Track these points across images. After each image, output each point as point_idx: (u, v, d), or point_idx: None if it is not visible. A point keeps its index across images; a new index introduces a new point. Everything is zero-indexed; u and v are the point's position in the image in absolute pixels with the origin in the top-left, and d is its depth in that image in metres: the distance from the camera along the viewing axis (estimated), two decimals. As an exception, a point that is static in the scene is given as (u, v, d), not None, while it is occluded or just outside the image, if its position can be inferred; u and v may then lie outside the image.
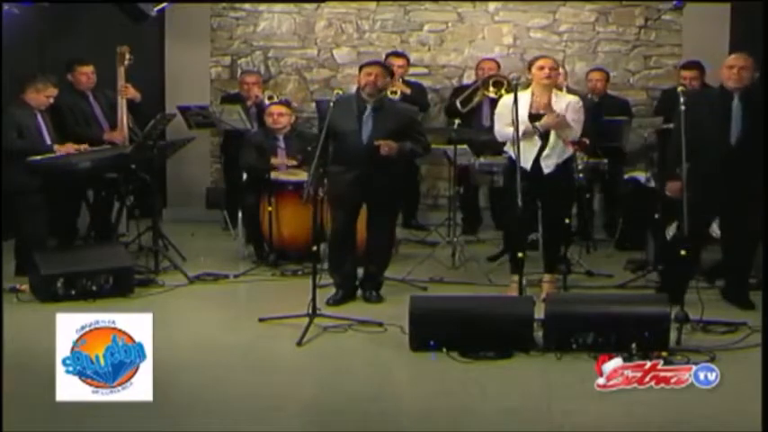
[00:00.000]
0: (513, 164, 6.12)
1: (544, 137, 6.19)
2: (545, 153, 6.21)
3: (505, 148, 6.38)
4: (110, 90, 7.77)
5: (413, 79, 8.93)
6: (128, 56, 7.71)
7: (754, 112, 6.01)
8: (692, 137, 5.63)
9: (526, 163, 6.19)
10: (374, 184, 6.24)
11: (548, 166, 6.23)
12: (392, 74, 6.87)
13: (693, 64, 8.10)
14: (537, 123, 6.16)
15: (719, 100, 6.12)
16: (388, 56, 8.81)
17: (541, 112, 6.18)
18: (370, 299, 6.39)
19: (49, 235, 7.13)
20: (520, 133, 5.97)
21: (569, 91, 7.24)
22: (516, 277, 6.08)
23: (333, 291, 6.43)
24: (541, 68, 6.25)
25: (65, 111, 7.55)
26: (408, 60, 8.87)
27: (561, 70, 6.53)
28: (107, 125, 7.73)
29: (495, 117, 6.40)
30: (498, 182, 7.54)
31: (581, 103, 6.39)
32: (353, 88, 8.81)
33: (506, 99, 6.36)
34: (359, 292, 6.50)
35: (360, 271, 6.54)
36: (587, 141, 6.91)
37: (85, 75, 7.72)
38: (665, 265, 6.48)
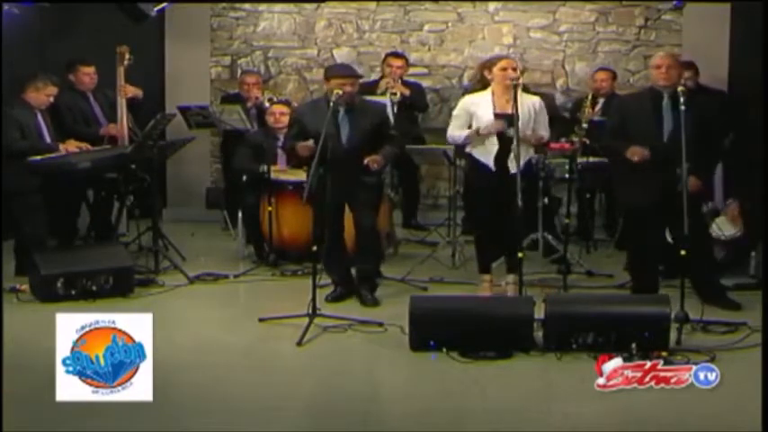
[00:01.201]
0: (475, 164, 6.23)
1: (507, 138, 6.13)
2: (513, 154, 6.12)
3: (468, 149, 6.34)
4: (110, 90, 7.77)
5: (412, 79, 8.92)
6: (127, 56, 7.71)
7: (687, 111, 5.85)
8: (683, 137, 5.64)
9: (489, 162, 6.20)
10: (356, 184, 6.27)
11: (514, 165, 6.15)
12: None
13: (687, 63, 8.09)
14: (478, 132, 6.17)
15: (650, 101, 6.13)
16: (387, 56, 8.80)
17: (507, 111, 6.13)
18: (366, 302, 6.35)
19: (48, 235, 7.13)
20: (462, 137, 6.16)
21: (570, 91, 7.24)
22: (488, 277, 6.28)
23: (331, 288, 6.45)
24: (504, 69, 6.23)
25: (63, 110, 7.55)
26: (407, 61, 8.87)
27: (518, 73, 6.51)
28: (107, 125, 7.73)
29: (452, 119, 6.39)
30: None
31: (542, 103, 6.37)
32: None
33: (465, 101, 6.36)
34: (380, 290, 6.49)
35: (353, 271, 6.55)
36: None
37: (87, 75, 7.73)
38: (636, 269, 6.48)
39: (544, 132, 6.33)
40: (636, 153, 5.99)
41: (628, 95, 7.30)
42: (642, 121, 6.11)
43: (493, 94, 6.25)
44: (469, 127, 6.24)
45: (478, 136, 6.17)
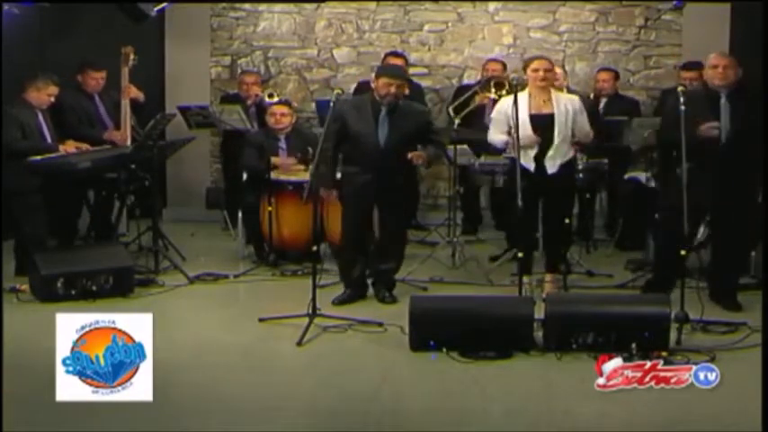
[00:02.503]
0: (515, 165, 6.14)
1: (547, 137, 6.19)
2: (550, 154, 6.23)
3: (507, 151, 6.39)
4: (115, 91, 7.77)
5: (412, 79, 8.91)
6: (132, 56, 7.71)
7: (742, 110, 5.95)
8: (683, 137, 5.63)
9: (529, 163, 6.21)
10: (389, 186, 6.25)
11: (552, 166, 6.24)
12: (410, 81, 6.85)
13: (694, 64, 8.08)
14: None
15: (707, 99, 6.09)
16: (386, 56, 8.79)
17: (543, 112, 6.19)
18: (384, 299, 6.36)
19: (49, 235, 7.13)
20: (523, 142, 6.05)
21: (569, 91, 7.25)
22: (526, 278, 6.18)
23: (338, 290, 6.45)
24: (536, 71, 6.26)
25: (68, 110, 7.57)
26: (407, 61, 8.86)
27: (559, 70, 6.52)
28: (111, 126, 7.74)
29: (491, 123, 6.41)
30: (498, 182, 7.55)
31: (581, 102, 6.42)
32: (353, 88, 8.92)
33: (503, 104, 6.38)
34: (370, 291, 6.50)
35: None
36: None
37: (95, 79, 7.72)
38: (660, 265, 6.46)
39: (583, 131, 6.35)
40: (709, 128, 5.88)
41: (685, 92, 7.22)
42: (699, 118, 5.94)
43: (530, 95, 6.28)
44: (509, 129, 6.24)
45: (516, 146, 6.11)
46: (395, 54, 8.83)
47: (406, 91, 6.48)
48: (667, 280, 6.12)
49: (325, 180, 6.26)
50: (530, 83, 6.30)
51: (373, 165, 6.20)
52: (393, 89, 6.20)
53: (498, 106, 6.42)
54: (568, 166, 6.39)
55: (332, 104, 6.10)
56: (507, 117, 6.24)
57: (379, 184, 6.23)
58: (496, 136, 6.36)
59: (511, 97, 6.28)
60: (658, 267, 6.39)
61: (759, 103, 6.09)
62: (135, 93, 7.76)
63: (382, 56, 8.93)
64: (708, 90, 6.18)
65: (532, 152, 6.23)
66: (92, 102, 7.77)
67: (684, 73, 8.05)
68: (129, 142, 7.56)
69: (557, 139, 6.21)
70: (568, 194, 6.63)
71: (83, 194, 7.70)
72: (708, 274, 6.42)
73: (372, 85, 6.38)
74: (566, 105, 6.26)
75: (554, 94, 6.29)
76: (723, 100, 6.05)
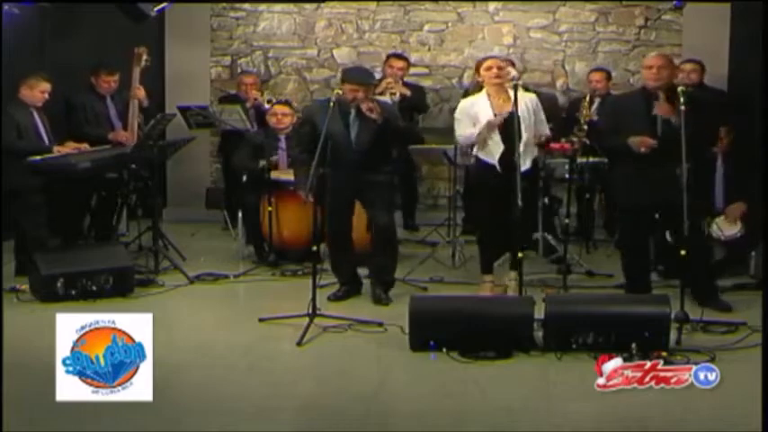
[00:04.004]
0: (481, 165, 6.25)
1: (513, 135, 6.14)
2: (520, 151, 6.13)
3: (474, 150, 6.34)
4: (127, 92, 7.78)
5: (412, 80, 8.92)
6: (145, 57, 7.73)
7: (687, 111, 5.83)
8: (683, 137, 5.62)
9: (495, 162, 6.21)
10: (367, 183, 6.29)
11: (524, 164, 6.14)
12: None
13: (693, 61, 8.09)
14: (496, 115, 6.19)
15: (643, 100, 6.09)
16: (388, 57, 8.80)
17: (504, 111, 6.15)
18: (380, 300, 6.35)
19: (53, 235, 7.13)
20: (485, 128, 6.09)
21: (570, 91, 7.25)
22: (490, 277, 6.25)
23: (334, 288, 6.47)
24: (489, 69, 6.25)
25: (78, 109, 7.62)
26: (409, 62, 8.86)
27: (512, 69, 6.46)
28: (120, 126, 7.75)
29: (455, 123, 6.38)
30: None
31: (538, 100, 6.36)
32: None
33: (464, 104, 6.38)
34: (364, 290, 6.52)
35: (362, 270, 6.57)
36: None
37: (107, 82, 7.75)
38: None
39: (544, 129, 6.35)
40: (643, 143, 5.91)
41: (620, 95, 7.29)
42: (635, 121, 6.05)
43: (488, 95, 6.26)
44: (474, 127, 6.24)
45: (487, 131, 6.14)
46: (396, 55, 8.84)
47: (369, 94, 6.37)
48: (642, 283, 6.21)
49: (301, 183, 6.28)
50: (485, 82, 6.28)
51: (348, 165, 6.23)
52: (360, 94, 6.19)
53: (459, 107, 6.39)
54: (535, 165, 6.39)
55: (331, 104, 6.10)
56: (470, 116, 6.24)
57: (357, 183, 6.27)
58: (467, 131, 6.26)
59: (469, 98, 6.37)
60: (630, 274, 6.34)
61: (711, 106, 6.11)
62: (141, 95, 7.77)
63: (383, 56, 8.94)
64: (644, 90, 6.18)
65: (497, 151, 6.19)
66: (103, 103, 7.80)
67: (684, 65, 8.00)
68: (134, 142, 7.57)
69: (524, 135, 6.14)
70: (535, 193, 6.66)
71: (87, 194, 7.69)
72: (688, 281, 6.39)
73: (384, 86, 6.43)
74: (526, 103, 6.21)
75: (510, 92, 6.17)
76: (660, 100, 6.00)
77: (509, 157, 6.11)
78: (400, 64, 8.66)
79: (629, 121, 6.08)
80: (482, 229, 6.54)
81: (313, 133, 6.26)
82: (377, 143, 6.31)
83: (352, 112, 6.27)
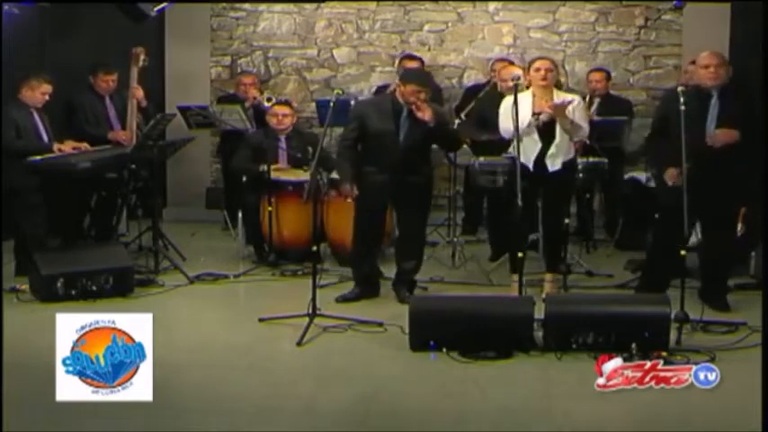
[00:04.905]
0: (516, 164, 6.15)
1: (549, 135, 6.19)
2: (551, 152, 6.23)
3: (510, 150, 6.38)
4: (126, 91, 7.78)
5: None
6: (143, 57, 7.72)
7: (732, 109, 5.91)
8: (683, 137, 5.62)
9: (528, 162, 6.21)
10: (408, 185, 6.26)
11: (554, 164, 6.23)
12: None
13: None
14: (538, 117, 6.18)
15: (697, 99, 6.03)
16: (402, 58, 8.76)
17: (544, 111, 6.19)
18: (404, 300, 6.25)
19: (53, 235, 7.13)
20: (522, 127, 6.03)
21: (569, 91, 7.25)
22: (517, 276, 6.11)
23: (338, 290, 6.47)
24: (538, 70, 6.28)
25: (78, 109, 7.63)
26: (423, 63, 8.82)
27: (561, 70, 6.53)
28: (119, 126, 7.75)
29: (500, 117, 6.40)
30: (498, 182, 7.54)
31: (581, 101, 6.44)
32: (353, 88, 8.91)
33: (509, 99, 6.37)
34: (381, 290, 6.50)
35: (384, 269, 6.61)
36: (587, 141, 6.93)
37: (105, 82, 7.75)
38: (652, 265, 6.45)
39: (584, 128, 6.35)
40: (672, 177, 5.99)
41: (669, 94, 7.20)
42: (687, 119, 5.80)
43: (533, 95, 6.30)
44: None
45: (536, 125, 6.16)
46: (411, 57, 8.79)
47: (428, 96, 6.38)
48: (661, 280, 6.13)
49: (346, 176, 6.32)
50: (532, 83, 6.31)
51: (392, 164, 6.22)
52: (422, 95, 6.18)
53: (505, 103, 6.40)
54: (570, 165, 6.39)
55: (331, 105, 6.09)
56: (512, 111, 6.24)
57: (397, 183, 6.25)
58: (507, 125, 6.22)
59: (518, 95, 6.32)
60: (653, 268, 6.36)
61: (754, 102, 6.09)
62: (140, 95, 7.76)
63: (383, 56, 8.92)
64: (699, 89, 6.15)
65: (532, 152, 6.22)
66: (103, 103, 7.79)
67: (690, 67, 7.98)
68: (134, 142, 7.56)
69: (558, 137, 6.20)
70: (568, 194, 6.66)
71: (87, 194, 7.70)
72: (700, 274, 6.40)
73: (394, 88, 6.39)
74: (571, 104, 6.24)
75: (556, 93, 6.29)
76: (714, 99, 6.04)
77: (542, 157, 6.19)
78: (414, 65, 8.62)
79: (680, 119, 5.80)
80: (510, 229, 6.51)
81: (362, 130, 6.26)
82: (423, 145, 6.31)
83: (404, 111, 6.25)
